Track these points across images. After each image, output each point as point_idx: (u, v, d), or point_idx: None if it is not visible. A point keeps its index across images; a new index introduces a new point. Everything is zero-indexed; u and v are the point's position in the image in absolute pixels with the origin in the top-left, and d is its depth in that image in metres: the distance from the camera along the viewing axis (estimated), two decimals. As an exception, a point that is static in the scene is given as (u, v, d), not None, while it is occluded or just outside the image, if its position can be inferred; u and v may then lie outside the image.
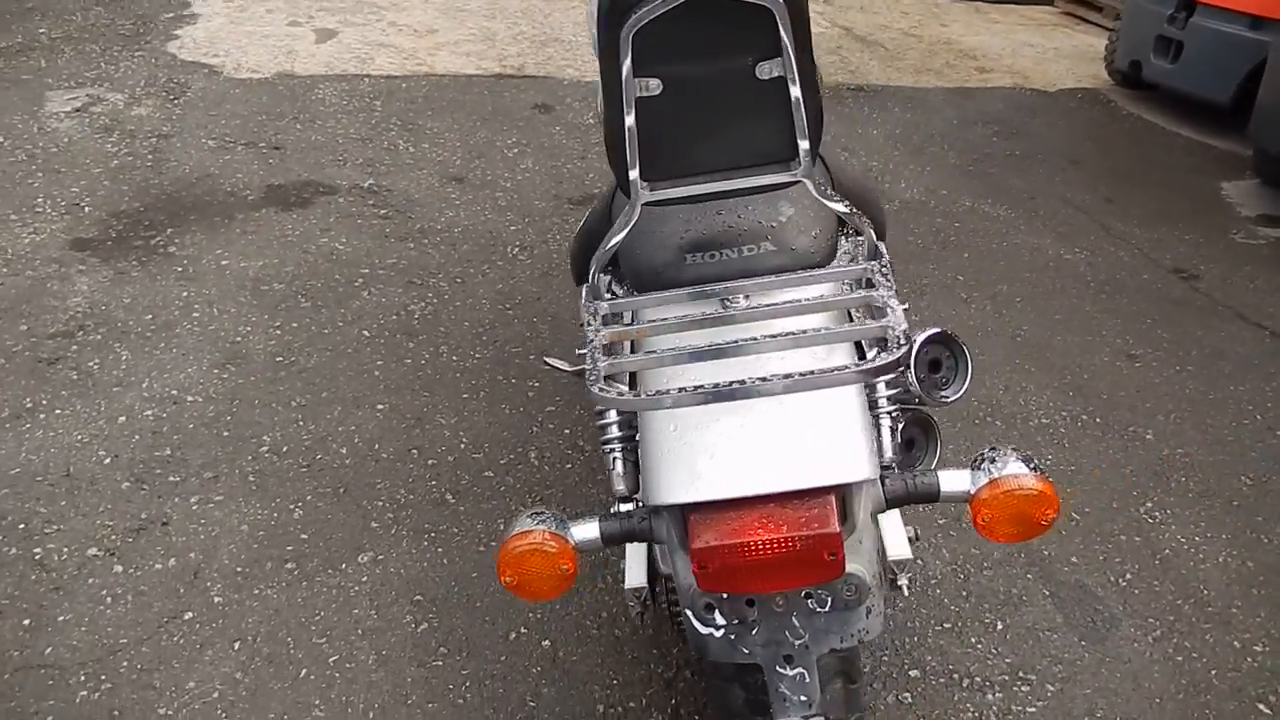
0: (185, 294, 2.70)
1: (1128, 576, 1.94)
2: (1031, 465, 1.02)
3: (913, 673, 1.71)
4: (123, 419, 2.22)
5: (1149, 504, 2.14)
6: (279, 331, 2.57)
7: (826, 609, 1.01)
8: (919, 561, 1.90)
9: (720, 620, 1.03)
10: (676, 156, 1.00)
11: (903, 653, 1.75)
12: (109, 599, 1.78)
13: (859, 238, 1.49)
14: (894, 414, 1.46)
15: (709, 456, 0.96)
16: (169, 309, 2.62)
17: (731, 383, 0.91)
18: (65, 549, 1.88)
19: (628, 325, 1.09)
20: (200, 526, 1.95)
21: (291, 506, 2.01)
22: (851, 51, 5.43)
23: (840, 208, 1.05)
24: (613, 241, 1.04)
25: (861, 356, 1.18)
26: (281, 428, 2.21)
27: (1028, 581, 1.91)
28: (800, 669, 1.04)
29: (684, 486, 0.95)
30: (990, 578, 1.92)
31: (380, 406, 2.31)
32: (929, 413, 1.64)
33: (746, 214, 1.09)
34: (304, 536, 1.94)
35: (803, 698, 1.05)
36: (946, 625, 1.81)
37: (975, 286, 3.04)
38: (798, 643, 1.03)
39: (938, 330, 1.58)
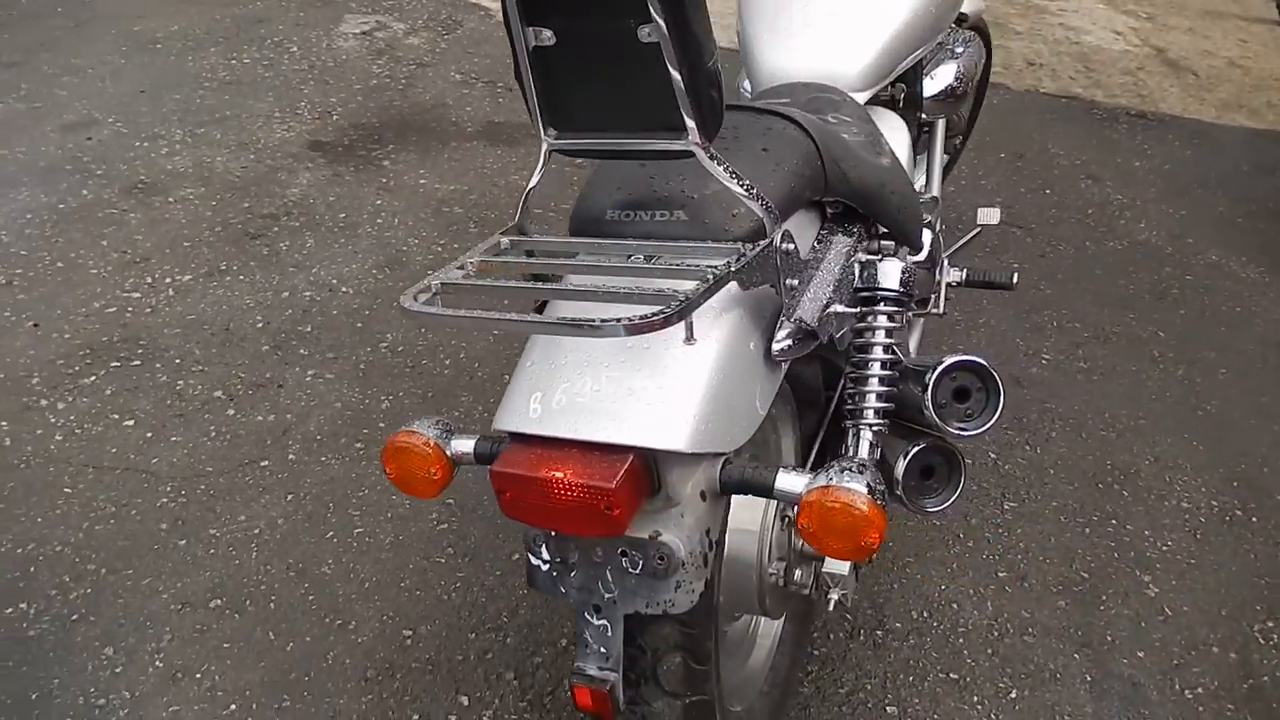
0: (378, 202, 3.05)
1: (1198, 691, 1.69)
2: (870, 489, 0.97)
3: (890, 709, 1.62)
4: (285, 294, 2.58)
5: (1268, 625, 1.84)
6: (439, 249, 2.84)
7: (638, 571, 1.02)
8: (859, 584, 1.78)
9: (545, 555, 1.07)
10: (577, 109, 1.02)
11: (890, 687, 1.66)
12: (213, 434, 2.11)
13: (871, 240, 1.41)
14: (876, 426, 1.39)
15: (540, 392, 1.01)
16: (360, 212, 2.98)
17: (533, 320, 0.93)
18: (199, 386, 2.24)
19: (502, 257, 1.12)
20: (305, 395, 2.24)
21: (383, 398, 2.25)
22: (1152, 75, 4.90)
23: (734, 185, 1.02)
24: (530, 183, 1.10)
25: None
26: (404, 331, 2.47)
27: (1070, 660, 1.73)
28: (605, 621, 1.06)
29: (510, 415, 1.01)
30: (1028, 644, 1.75)
31: (495, 334, 2.50)
32: (954, 445, 1.53)
33: (675, 181, 1.10)
34: (381, 425, 2.17)
35: (602, 649, 1.07)
36: (953, 676, 1.69)
37: (1175, 347, 2.70)
38: (607, 596, 1.05)
39: (971, 358, 1.48)
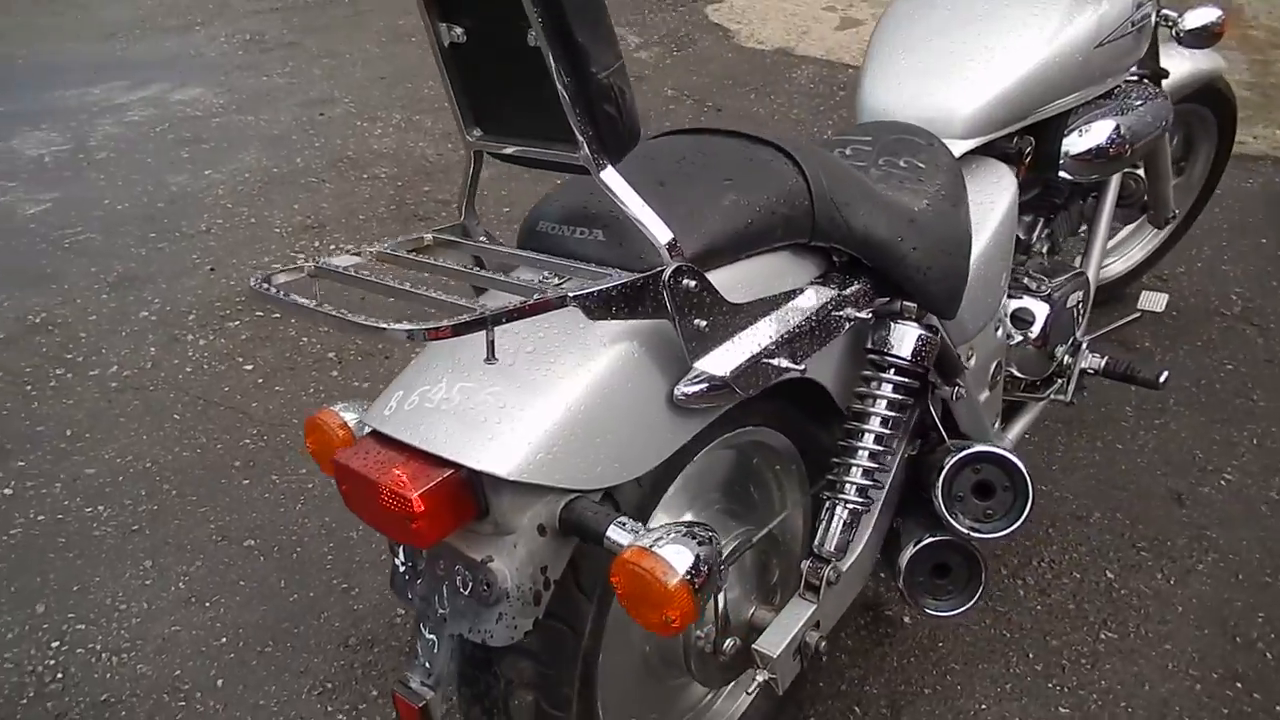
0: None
1: None
2: (698, 564, 0.86)
3: None
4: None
5: None
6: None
7: (466, 593, 0.97)
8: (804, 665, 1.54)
9: (402, 558, 1.05)
10: (496, 111, 0.99)
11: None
12: (311, 390, 2.28)
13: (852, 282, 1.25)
14: (853, 505, 1.24)
15: (403, 392, 0.99)
16: (522, 206, 3.11)
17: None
18: (318, 346, 2.43)
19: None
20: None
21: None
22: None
23: (629, 209, 0.94)
24: (463, 183, 1.09)
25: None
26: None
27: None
28: (434, 637, 1.02)
29: (374, 409, 1.00)
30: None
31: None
32: (975, 546, 1.33)
33: (605, 199, 1.04)
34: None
35: (426, 664, 1.03)
36: None
37: None
38: (440, 612, 1.01)
39: (1000, 451, 1.28)
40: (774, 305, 1.11)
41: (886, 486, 1.39)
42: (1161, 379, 1.81)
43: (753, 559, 1.33)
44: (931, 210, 1.33)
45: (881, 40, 1.71)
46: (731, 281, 1.07)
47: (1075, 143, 1.71)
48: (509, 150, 1.03)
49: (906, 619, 1.76)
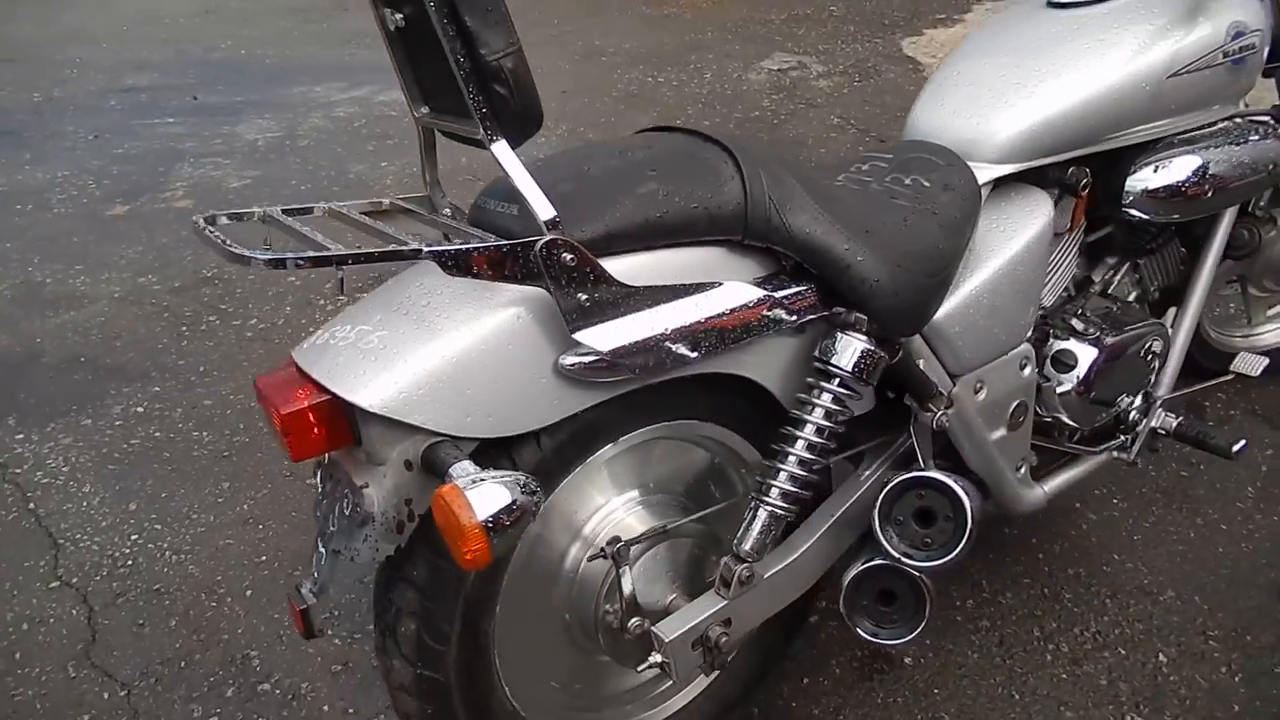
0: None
1: None
2: (505, 511, 0.94)
3: None
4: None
5: None
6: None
7: (347, 514, 1.07)
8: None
9: (318, 481, 1.16)
10: (431, 89, 1.09)
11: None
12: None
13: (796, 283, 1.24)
14: (778, 511, 1.24)
15: (326, 328, 1.11)
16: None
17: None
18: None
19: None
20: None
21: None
22: None
23: (516, 182, 1.01)
24: (421, 159, 1.20)
25: None
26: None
27: None
28: (323, 551, 1.12)
29: (300, 344, 1.13)
30: None
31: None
32: (923, 578, 1.29)
33: None
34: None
35: (314, 574, 1.13)
36: None
37: None
38: (330, 529, 1.11)
39: (940, 478, 1.23)
40: (679, 294, 1.13)
41: (850, 498, 1.37)
42: (1235, 449, 1.65)
43: (689, 550, 1.35)
44: (902, 225, 1.30)
45: (948, 62, 1.68)
46: (637, 267, 1.12)
47: (1142, 179, 1.60)
48: (444, 125, 1.13)
49: (908, 659, 1.70)
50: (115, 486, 2.08)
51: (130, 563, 1.89)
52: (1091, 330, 1.59)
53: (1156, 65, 1.52)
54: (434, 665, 1.18)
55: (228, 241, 0.99)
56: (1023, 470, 1.62)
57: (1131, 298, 1.78)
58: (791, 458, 1.27)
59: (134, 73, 4.59)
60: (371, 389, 1.01)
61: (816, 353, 1.27)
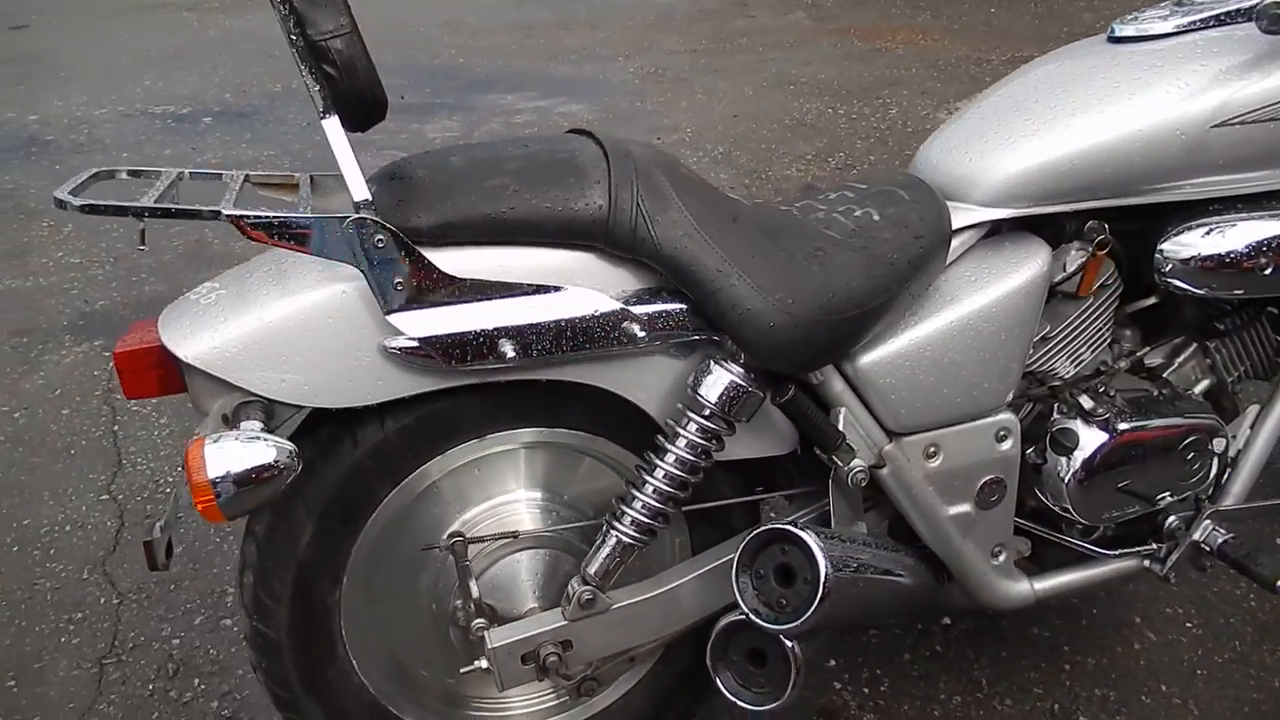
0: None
1: None
2: (227, 470, 0.98)
3: None
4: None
5: None
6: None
7: None
8: None
9: None
10: None
11: None
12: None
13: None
14: (626, 540, 1.18)
15: (195, 288, 1.18)
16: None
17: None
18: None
19: None
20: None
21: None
22: None
23: (340, 163, 1.02)
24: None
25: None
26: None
27: None
28: (174, 492, 1.19)
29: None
30: None
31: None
32: (793, 649, 1.19)
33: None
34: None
35: (165, 510, 1.20)
36: None
37: None
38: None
39: (800, 535, 1.12)
40: (512, 292, 1.11)
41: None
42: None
43: (559, 565, 1.31)
44: (807, 256, 1.19)
45: (978, 98, 1.53)
46: (476, 260, 1.11)
47: (1185, 244, 1.36)
48: None
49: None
50: (185, 422, 2.30)
51: (168, 490, 2.09)
52: (1103, 411, 1.38)
53: (1198, 112, 1.29)
54: (266, 620, 1.22)
55: (73, 189, 1.06)
56: (1001, 558, 1.43)
57: (1200, 387, 1.52)
58: (649, 486, 1.20)
59: (363, 72, 5.10)
60: (191, 342, 1.07)
61: (691, 379, 1.19)
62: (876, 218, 1.28)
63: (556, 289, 1.13)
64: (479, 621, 1.25)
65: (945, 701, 1.65)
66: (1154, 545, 1.50)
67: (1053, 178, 1.31)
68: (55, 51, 5.42)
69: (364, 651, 1.30)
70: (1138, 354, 1.52)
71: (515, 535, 1.27)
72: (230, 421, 1.10)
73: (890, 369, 1.27)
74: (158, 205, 1.02)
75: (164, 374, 1.11)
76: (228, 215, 1.02)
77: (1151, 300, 1.48)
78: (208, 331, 1.08)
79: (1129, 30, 1.43)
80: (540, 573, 1.30)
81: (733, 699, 1.23)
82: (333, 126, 1.04)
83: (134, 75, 5.10)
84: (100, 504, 2.07)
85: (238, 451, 0.99)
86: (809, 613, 1.11)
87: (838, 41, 5.50)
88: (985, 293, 1.31)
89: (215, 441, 1.00)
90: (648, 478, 1.21)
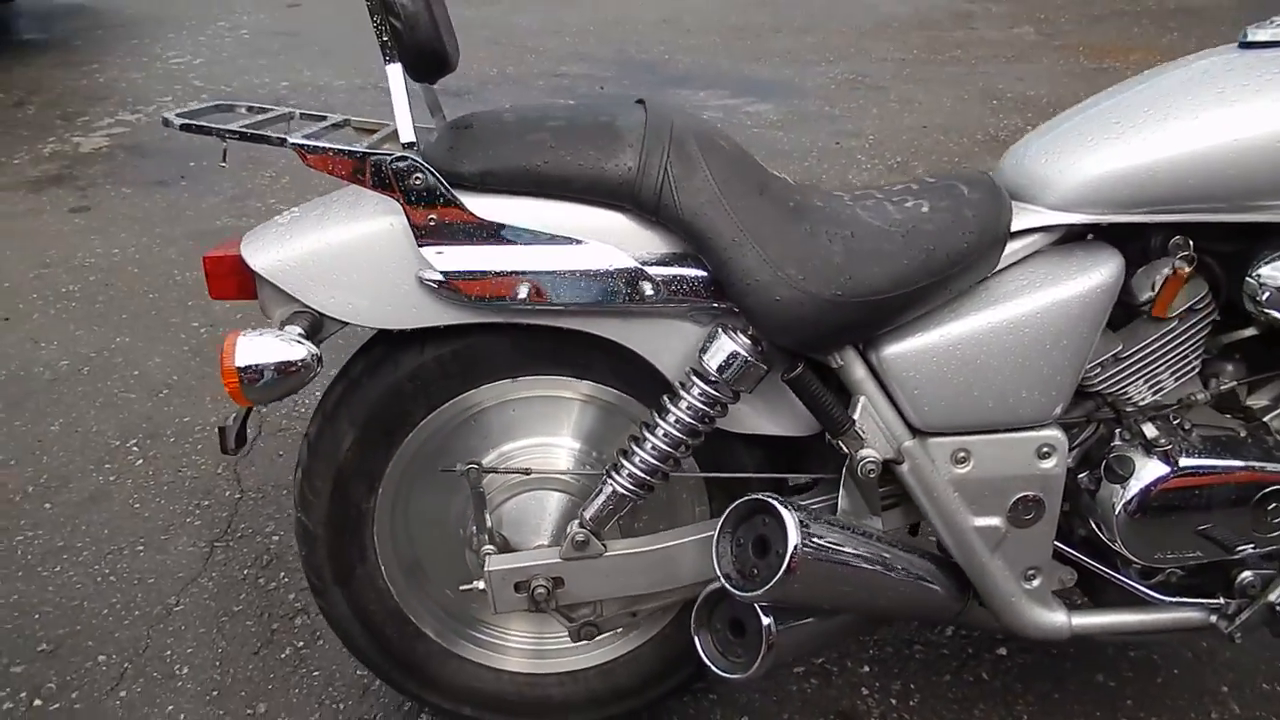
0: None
1: None
2: (254, 361, 1.11)
3: None
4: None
5: None
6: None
7: None
8: None
9: None
10: None
11: None
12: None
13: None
14: (622, 491, 1.26)
15: (285, 211, 1.33)
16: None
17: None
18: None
19: None
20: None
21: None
22: None
23: (394, 108, 1.14)
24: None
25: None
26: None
27: None
28: None
29: None
30: None
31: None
32: (770, 624, 1.21)
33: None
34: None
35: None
36: None
37: None
38: None
39: (776, 506, 1.13)
40: (534, 239, 1.18)
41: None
42: None
43: (573, 508, 1.37)
44: (835, 238, 1.19)
45: (1084, 102, 1.46)
46: (509, 207, 1.19)
47: (1274, 270, 1.25)
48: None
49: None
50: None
51: (301, 410, 2.34)
52: (1165, 442, 1.29)
53: None
54: (307, 512, 1.37)
55: (186, 112, 1.24)
56: (1036, 583, 1.37)
57: None
58: (648, 444, 1.25)
59: (573, 62, 5.34)
60: (261, 255, 1.23)
61: (701, 345, 1.23)
62: (926, 209, 1.26)
63: (578, 242, 1.19)
64: (488, 548, 1.34)
65: (978, 728, 1.58)
66: (1222, 600, 1.37)
67: (1132, 184, 1.23)
68: (316, 29, 6.06)
69: (392, 559, 1.42)
70: (1235, 391, 1.39)
71: (527, 472, 1.35)
72: (279, 326, 1.25)
73: (916, 362, 1.25)
74: (233, 129, 1.18)
75: (242, 281, 1.27)
76: (292, 143, 1.17)
77: (1250, 332, 1.35)
78: (276, 247, 1.23)
79: (1262, 35, 1.32)
80: (553, 514, 1.37)
81: (708, 663, 1.25)
82: (394, 72, 1.17)
83: (373, 54, 5.63)
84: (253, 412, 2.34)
85: (264, 346, 1.13)
86: (770, 584, 1.12)
87: (1061, 59, 5.18)
88: (1034, 297, 1.25)
89: (248, 336, 1.14)
90: (648, 435, 1.25)
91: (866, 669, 1.67)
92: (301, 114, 1.37)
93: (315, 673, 1.67)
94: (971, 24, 5.94)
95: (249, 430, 1.40)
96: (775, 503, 1.15)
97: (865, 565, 1.22)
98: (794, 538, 1.12)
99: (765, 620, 1.21)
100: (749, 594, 1.15)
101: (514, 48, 5.59)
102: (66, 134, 4.31)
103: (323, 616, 1.44)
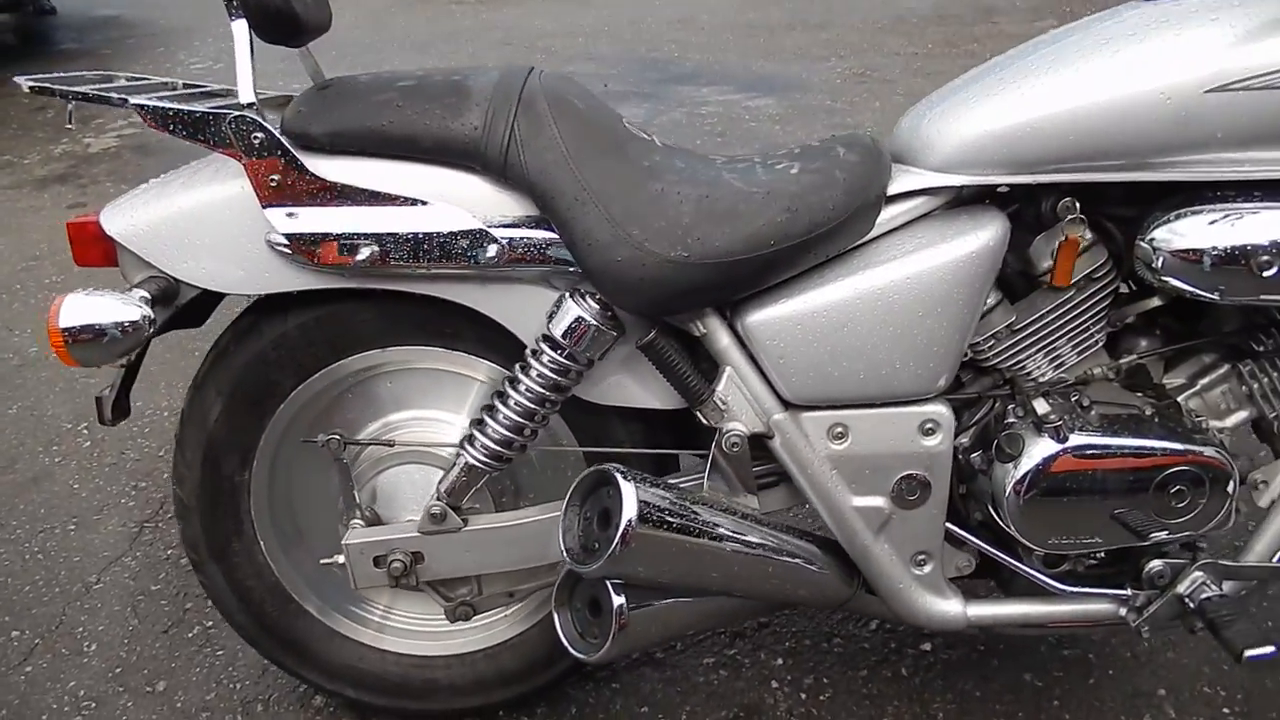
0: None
1: None
2: (76, 322, 1.10)
3: None
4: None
5: None
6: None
7: None
8: None
9: None
10: None
11: None
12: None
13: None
14: (475, 463, 1.23)
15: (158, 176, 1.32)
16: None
17: None
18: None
19: None
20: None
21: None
22: None
23: (237, 66, 1.11)
24: None
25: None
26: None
27: None
28: None
29: None
30: None
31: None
32: (618, 607, 1.16)
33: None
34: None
35: None
36: None
37: None
38: None
39: (619, 478, 1.09)
40: (376, 200, 1.16)
41: None
42: (1249, 654, 1.16)
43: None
44: (687, 199, 1.14)
45: (987, 63, 1.40)
46: (355, 169, 1.17)
47: (1174, 232, 1.17)
48: None
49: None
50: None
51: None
52: (1056, 418, 1.21)
53: (1192, 74, 1.11)
54: (180, 485, 1.36)
55: (57, 79, 1.24)
56: (927, 568, 1.30)
57: (1233, 419, 1.30)
58: (500, 414, 1.22)
59: (582, 62, 5.33)
60: (117, 220, 1.22)
61: (549, 309, 1.19)
62: (795, 171, 1.20)
63: (423, 203, 1.16)
64: (355, 522, 1.32)
65: (892, 732, 1.50)
66: (1130, 591, 1.29)
67: (1012, 143, 1.17)
68: (337, 35, 6.16)
69: (270, 534, 1.40)
70: (1148, 369, 1.31)
71: (390, 444, 1.32)
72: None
73: (781, 330, 1.19)
74: (77, 90, 1.17)
75: (106, 248, 1.26)
76: (133, 103, 1.15)
77: (1156, 302, 1.27)
78: (133, 213, 1.22)
79: None
80: (423, 488, 1.34)
81: (565, 642, 1.20)
82: (239, 29, 1.15)
83: (389, 52, 5.68)
84: (198, 399, 2.36)
85: (89, 306, 1.12)
86: (604, 557, 1.07)
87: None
88: (907, 262, 1.19)
89: (76, 296, 1.13)
90: (500, 405, 1.22)
91: (780, 661, 1.60)
92: (185, 84, 1.36)
93: (219, 652, 1.65)
94: (993, 19, 5.80)
95: (132, 402, 1.39)
96: (616, 474, 1.10)
97: (722, 543, 1.17)
98: (629, 510, 1.07)
99: (617, 600, 1.16)
100: (585, 567, 1.10)
101: (524, 48, 5.60)
102: (80, 135, 4.42)
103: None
